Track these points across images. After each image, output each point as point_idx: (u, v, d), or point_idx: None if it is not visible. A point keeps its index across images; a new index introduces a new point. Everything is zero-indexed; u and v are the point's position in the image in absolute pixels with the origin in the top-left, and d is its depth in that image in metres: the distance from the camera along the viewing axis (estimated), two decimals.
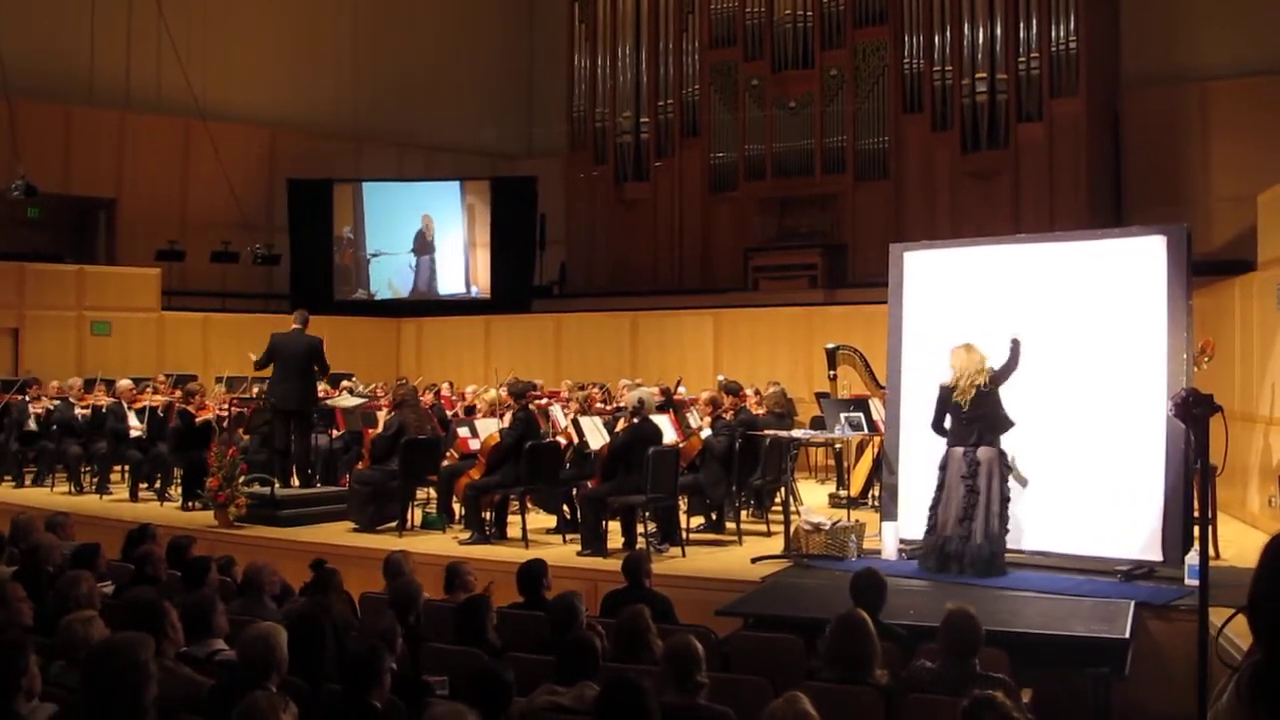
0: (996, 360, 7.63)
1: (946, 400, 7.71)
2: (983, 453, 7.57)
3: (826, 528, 8.33)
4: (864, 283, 16.59)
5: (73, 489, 12.53)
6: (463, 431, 10.55)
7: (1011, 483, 7.67)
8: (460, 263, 20.87)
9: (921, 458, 8.32)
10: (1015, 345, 7.60)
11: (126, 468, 12.45)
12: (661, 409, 10.39)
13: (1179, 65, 17.02)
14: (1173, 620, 6.59)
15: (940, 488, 7.74)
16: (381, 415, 11.04)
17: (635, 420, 9.08)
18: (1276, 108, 15.73)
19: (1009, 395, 7.69)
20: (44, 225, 18.82)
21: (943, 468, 7.75)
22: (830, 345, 11.85)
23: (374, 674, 4.12)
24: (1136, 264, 7.84)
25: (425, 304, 20.52)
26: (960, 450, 7.63)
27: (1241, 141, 16.08)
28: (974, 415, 7.58)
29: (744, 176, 19.06)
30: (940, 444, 7.85)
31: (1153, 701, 6.33)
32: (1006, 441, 7.66)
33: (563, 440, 10.27)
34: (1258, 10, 16.19)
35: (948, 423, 7.76)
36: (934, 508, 7.78)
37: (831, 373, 11.80)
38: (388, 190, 20.95)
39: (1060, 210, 16.52)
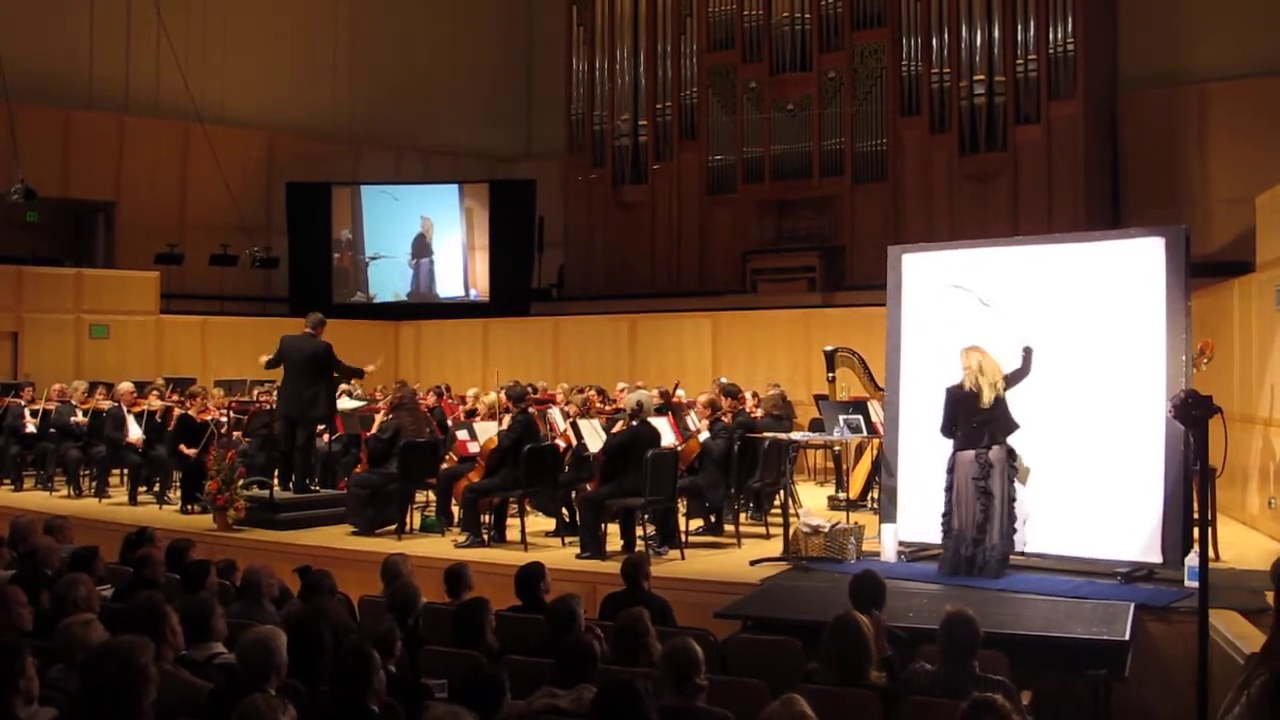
0: (1007, 366, 7.67)
1: (957, 403, 7.67)
2: (994, 454, 7.58)
3: (825, 530, 8.33)
4: (862, 285, 16.57)
5: (71, 492, 12.51)
6: (461, 434, 10.52)
7: (1016, 482, 7.69)
8: (458, 266, 20.88)
9: (920, 460, 8.32)
10: (1028, 353, 7.70)
11: (125, 471, 12.45)
12: (660, 412, 10.39)
13: (1177, 67, 17.03)
14: (1172, 622, 6.58)
15: (949, 490, 7.72)
16: (379, 419, 11.02)
17: (634, 423, 9.09)
18: (1274, 109, 15.74)
19: (1011, 397, 7.71)
20: (43, 228, 18.81)
21: (950, 470, 7.72)
22: (829, 348, 11.84)
23: (364, 677, 4.09)
24: (1135, 266, 7.84)
25: (424, 307, 20.51)
26: (971, 453, 7.60)
27: (1239, 143, 16.07)
28: (987, 418, 7.57)
29: (742, 179, 19.05)
30: (941, 446, 7.83)
31: (1152, 704, 6.32)
32: (1011, 441, 7.68)
33: (561, 443, 10.26)
34: (1255, 12, 16.19)
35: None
36: (948, 514, 7.74)
37: (830, 375, 11.79)
38: (386, 193, 20.94)
39: (1058, 212, 16.53)
